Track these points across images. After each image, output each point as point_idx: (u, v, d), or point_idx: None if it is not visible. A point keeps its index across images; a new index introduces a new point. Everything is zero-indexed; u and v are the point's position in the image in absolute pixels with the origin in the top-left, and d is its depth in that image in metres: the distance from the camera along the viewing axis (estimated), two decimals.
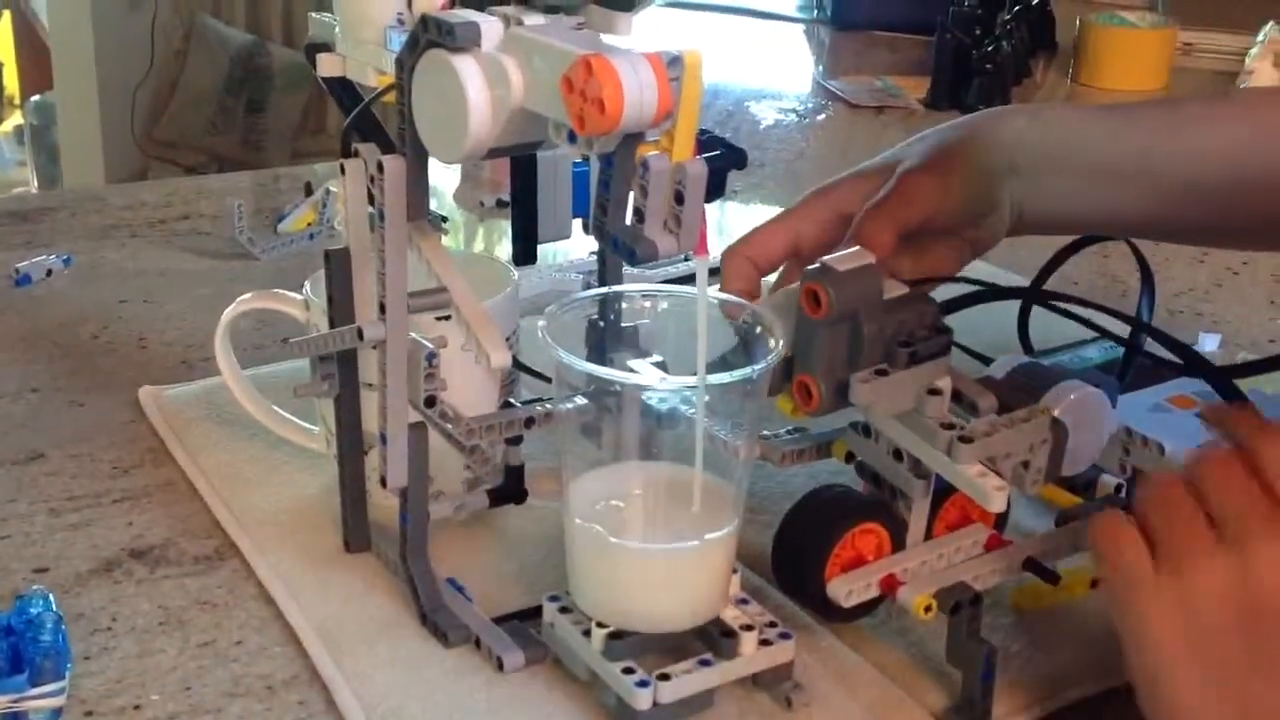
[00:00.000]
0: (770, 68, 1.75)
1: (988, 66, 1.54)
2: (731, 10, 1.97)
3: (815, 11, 1.97)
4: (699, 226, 0.54)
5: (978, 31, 1.58)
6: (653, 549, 0.60)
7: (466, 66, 0.55)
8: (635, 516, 0.63)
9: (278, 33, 3.81)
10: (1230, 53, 1.73)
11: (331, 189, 1.14)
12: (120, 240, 1.12)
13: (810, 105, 1.56)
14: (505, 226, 1.21)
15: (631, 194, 0.54)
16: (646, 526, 0.63)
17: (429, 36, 0.56)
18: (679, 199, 0.53)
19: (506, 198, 1.23)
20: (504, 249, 1.19)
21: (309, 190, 1.16)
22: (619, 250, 0.54)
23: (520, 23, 0.56)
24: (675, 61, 0.52)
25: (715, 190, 0.55)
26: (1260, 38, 1.54)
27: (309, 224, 1.13)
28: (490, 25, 0.56)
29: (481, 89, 0.55)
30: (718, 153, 0.56)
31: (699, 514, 0.59)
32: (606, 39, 0.55)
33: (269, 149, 3.73)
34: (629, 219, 0.54)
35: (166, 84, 3.76)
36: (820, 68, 1.79)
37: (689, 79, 0.52)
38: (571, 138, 0.53)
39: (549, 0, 0.57)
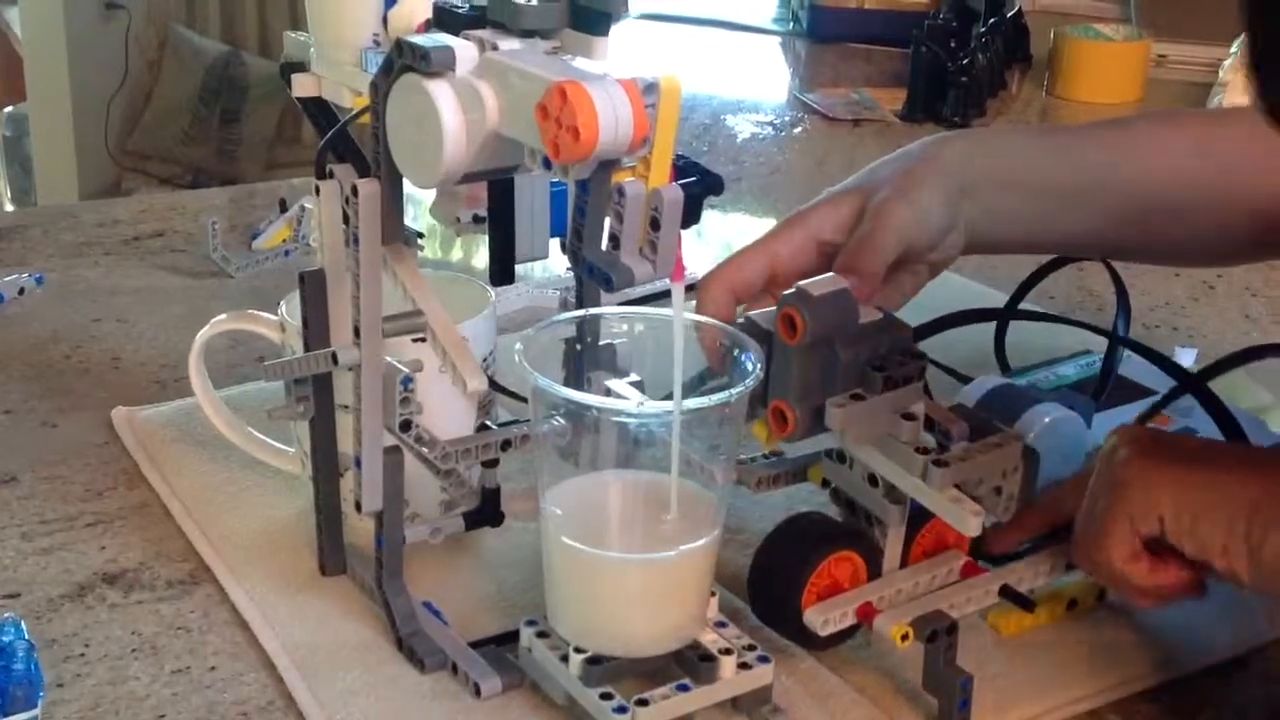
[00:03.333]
0: (746, 81, 1.76)
1: (963, 79, 1.54)
2: (707, 23, 1.97)
3: (791, 24, 1.97)
4: (675, 252, 0.54)
5: (953, 44, 1.58)
6: (629, 559, 0.60)
7: (441, 91, 0.55)
8: (612, 527, 0.62)
9: (253, 43, 3.80)
10: (1204, 64, 1.74)
11: (307, 205, 1.13)
12: (94, 258, 1.11)
13: (787, 118, 1.57)
14: (482, 241, 1.21)
15: (607, 219, 0.54)
16: (623, 537, 0.62)
17: (404, 61, 0.56)
18: (655, 225, 0.53)
19: (483, 213, 1.22)
20: (480, 262, 1.18)
21: (284, 207, 1.15)
22: (595, 276, 0.54)
23: (495, 47, 0.56)
24: (651, 88, 0.52)
25: (691, 216, 0.55)
26: (1234, 49, 1.54)
27: (284, 241, 1.12)
28: (465, 50, 0.55)
29: (456, 114, 0.55)
30: (693, 179, 0.56)
31: (676, 526, 0.59)
32: (582, 63, 0.55)
33: (244, 159, 3.72)
34: (605, 245, 0.54)
35: (140, 95, 3.74)
36: (796, 80, 1.79)
37: (665, 105, 0.52)
38: (547, 164, 0.53)
39: (524, 24, 0.56)
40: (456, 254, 1.20)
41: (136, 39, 3.68)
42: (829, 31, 1.88)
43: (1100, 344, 0.84)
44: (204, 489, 0.79)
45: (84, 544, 0.74)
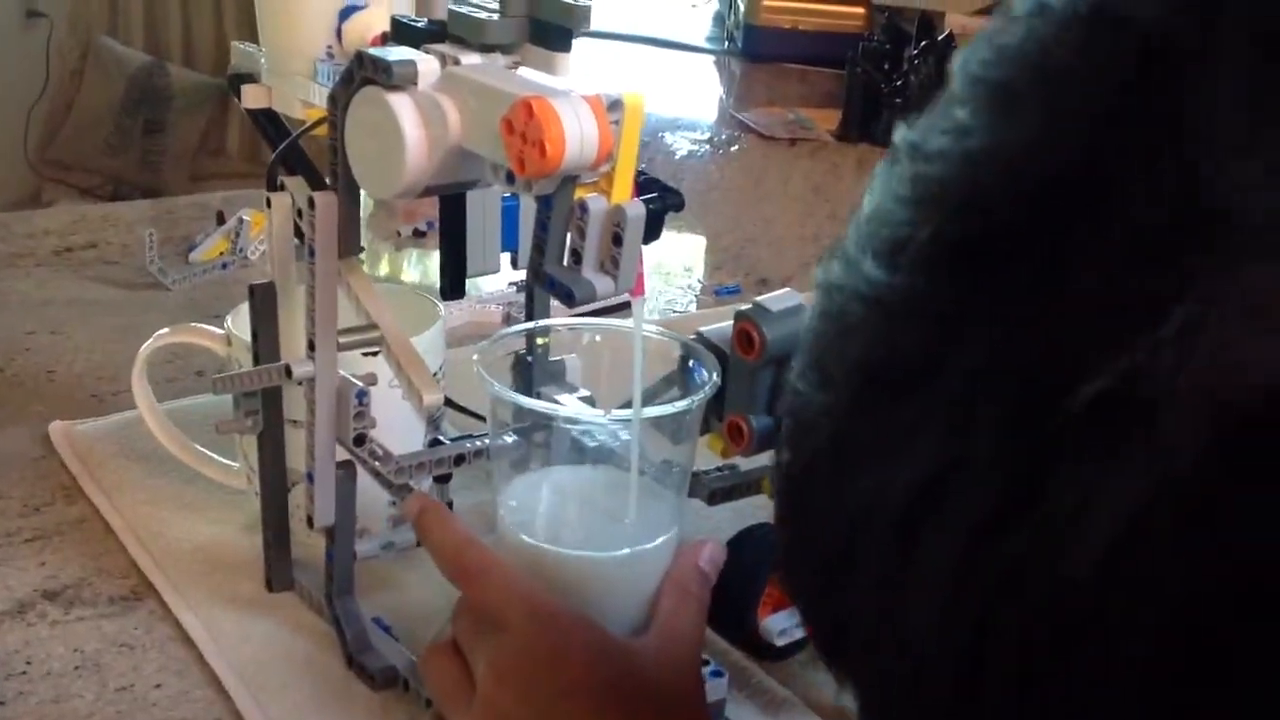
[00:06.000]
0: (683, 98, 1.76)
1: (897, 100, 1.56)
2: (641, 40, 1.97)
3: (726, 43, 1.98)
4: (636, 268, 0.54)
5: (887, 66, 1.60)
6: (583, 556, 0.60)
7: (403, 105, 0.55)
8: (566, 524, 0.62)
9: (177, 54, 3.75)
10: None
11: (245, 218, 1.12)
12: (25, 269, 1.09)
13: (724, 136, 1.57)
14: (419, 255, 1.21)
15: (568, 234, 0.54)
16: (577, 534, 0.62)
17: (364, 73, 0.56)
18: (617, 240, 0.53)
19: (423, 227, 1.22)
20: (411, 276, 1.18)
21: (221, 219, 1.14)
22: (556, 290, 0.54)
23: (457, 62, 0.56)
24: (616, 104, 0.52)
25: (652, 233, 0.55)
26: None
27: (221, 253, 1.11)
28: (427, 64, 0.55)
29: (418, 127, 0.55)
30: (655, 195, 0.57)
31: (632, 526, 0.59)
32: (545, 79, 0.55)
33: (167, 170, 3.67)
34: (566, 259, 0.54)
35: (62, 104, 3.68)
36: (731, 99, 1.80)
37: (628, 121, 0.52)
38: (510, 179, 0.53)
39: (485, 39, 0.56)
40: (383, 268, 1.19)
41: (58, 47, 3.63)
42: (763, 51, 1.89)
43: None
44: (145, 504, 0.77)
45: (23, 560, 0.73)
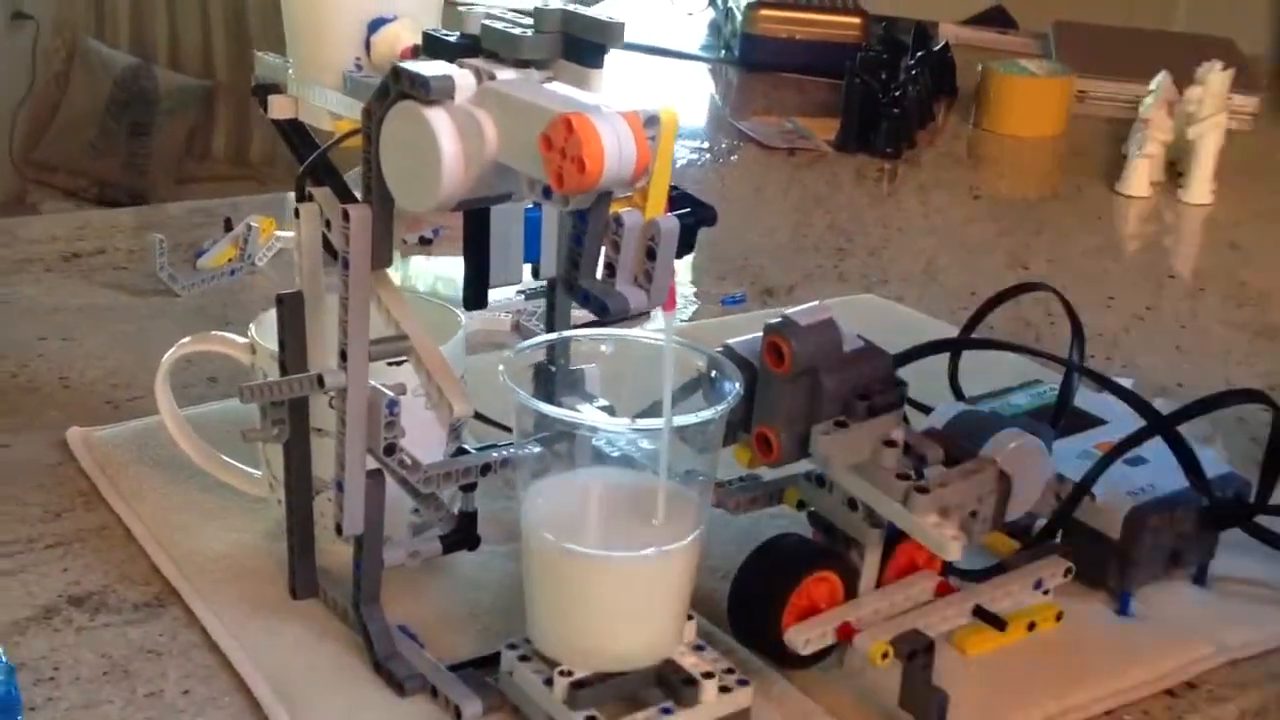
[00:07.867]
0: (681, 107, 1.77)
1: (895, 111, 1.57)
2: (637, 48, 1.98)
3: (722, 52, 2.00)
4: (669, 282, 0.55)
5: (884, 76, 1.61)
6: (610, 556, 0.60)
7: (440, 119, 0.55)
8: (592, 526, 0.63)
9: (163, 55, 3.75)
10: (1123, 101, 1.79)
11: (253, 224, 1.12)
12: (34, 275, 1.10)
13: (723, 145, 1.58)
14: (425, 263, 1.21)
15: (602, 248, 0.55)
16: (604, 535, 0.63)
17: (400, 87, 0.57)
18: (650, 255, 0.54)
19: (429, 235, 1.23)
20: (416, 285, 1.18)
21: (229, 225, 1.14)
22: (590, 304, 0.55)
23: (492, 77, 0.57)
24: (652, 120, 0.53)
25: (685, 247, 0.56)
26: (1153, 87, 1.59)
27: (229, 260, 1.12)
28: (463, 78, 0.56)
29: (455, 142, 0.55)
30: (687, 210, 0.57)
31: (658, 528, 0.60)
32: (580, 95, 0.56)
33: (152, 173, 3.67)
34: (599, 273, 0.55)
35: (47, 106, 3.68)
36: (728, 108, 1.82)
37: (664, 137, 0.53)
38: (547, 194, 0.54)
39: (520, 55, 0.57)
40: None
41: (44, 49, 3.63)
42: (759, 60, 1.90)
43: (1041, 373, 0.86)
44: (166, 511, 0.78)
45: (46, 566, 0.73)
